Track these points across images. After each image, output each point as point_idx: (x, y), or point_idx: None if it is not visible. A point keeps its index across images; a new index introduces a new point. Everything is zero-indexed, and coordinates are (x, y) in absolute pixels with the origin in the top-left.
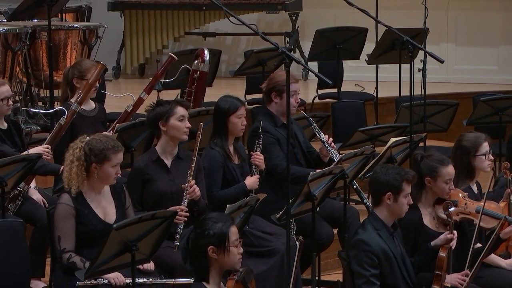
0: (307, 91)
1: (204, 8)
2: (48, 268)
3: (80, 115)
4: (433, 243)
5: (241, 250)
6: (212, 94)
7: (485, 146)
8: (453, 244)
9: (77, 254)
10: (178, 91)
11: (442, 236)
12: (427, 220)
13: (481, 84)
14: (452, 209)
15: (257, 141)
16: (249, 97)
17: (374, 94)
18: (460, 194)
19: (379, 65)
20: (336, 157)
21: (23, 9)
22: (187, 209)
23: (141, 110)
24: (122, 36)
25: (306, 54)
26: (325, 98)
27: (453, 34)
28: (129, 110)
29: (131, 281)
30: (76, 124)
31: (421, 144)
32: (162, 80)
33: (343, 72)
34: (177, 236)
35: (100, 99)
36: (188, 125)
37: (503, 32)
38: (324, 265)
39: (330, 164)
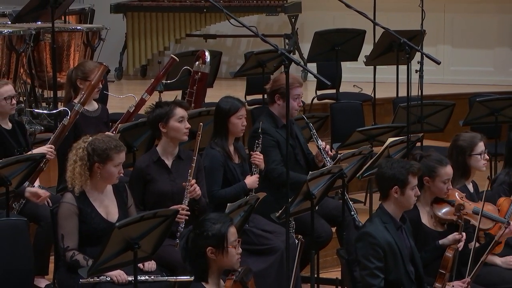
0: (306, 92)
1: (205, 10)
2: (51, 266)
3: (83, 116)
4: (441, 241)
5: (240, 250)
6: (212, 95)
7: (481, 146)
8: (461, 245)
9: (80, 252)
10: (180, 92)
11: (450, 236)
12: (425, 219)
13: (477, 85)
14: (447, 209)
15: (256, 141)
16: (249, 98)
17: (372, 95)
18: (457, 195)
19: (377, 67)
20: (330, 165)
21: (27, 11)
22: (188, 208)
23: (143, 110)
24: (125, 38)
25: (305, 56)
26: (324, 99)
27: (450, 36)
28: (131, 111)
29: (133, 278)
30: (79, 124)
31: (418, 144)
32: (164, 81)
33: (342, 73)
34: (178, 234)
35: (102, 99)
36: (188, 126)
37: (498, 34)
38: (323, 263)
39: None
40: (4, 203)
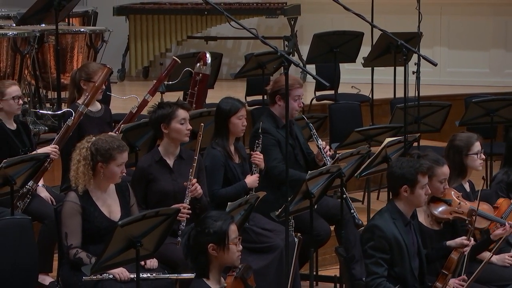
0: (305, 93)
1: (206, 13)
2: (55, 264)
3: (86, 116)
4: (448, 242)
5: (240, 247)
6: (213, 96)
7: (477, 146)
8: (466, 250)
9: (83, 250)
10: (181, 93)
11: (458, 239)
12: (422, 218)
13: (473, 86)
14: (443, 208)
15: (256, 141)
16: (249, 98)
17: (370, 96)
18: (454, 194)
19: (374, 68)
20: (330, 164)
21: (31, 14)
22: (189, 206)
23: (146, 111)
24: (127, 40)
25: (304, 57)
26: (322, 100)
27: (446, 38)
28: (134, 111)
29: (135, 276)
30: (82, 124)
31: (415, 144)
32: (166, 82)
33: (340, 74)
34: (180, 233)
35: (105, 100)
36: (189, 127)
37: (493, 36)
38: (322, 261)
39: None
40: (9, 201)
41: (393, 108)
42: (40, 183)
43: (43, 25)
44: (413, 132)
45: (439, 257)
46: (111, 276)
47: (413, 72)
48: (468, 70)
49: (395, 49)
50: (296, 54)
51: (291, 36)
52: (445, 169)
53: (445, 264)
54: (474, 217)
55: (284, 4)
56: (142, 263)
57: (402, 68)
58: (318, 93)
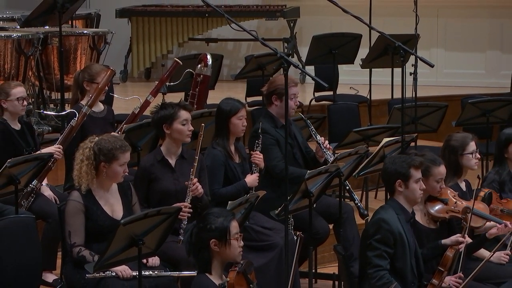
0: (305, 93)
1: (207, 15)
2: (59, 262)
3: (89, 117)
4: (443, 241)
5: (242, 243)
6: (214, 97)
7: (472, 145)
8: (462, 247)
9: (86, 248)
10: (182, 94)
11: (453, 237)
12: (419, 216)
13: (469, 87)
14: (439, 206)
15: (256, 141)
16: (249, 99)
17: (368, 97)
18: (450, 193)
19: (372, 69)
20: (331, 158)
21: (35, 16)
22: (190, 205)
23: (148, 112)
24: (129, 42)
25: (304, 59)
26: (321, 101)
27: (443, 40)
28: (136, 112)
29: (137, 273)
30: (86, 125)
31: (412, 144)
32: (167, 84)
33: (339, 75)
34: (181, 231)
35: (108, 101)
36: (191, 128)
37: (490, 38)
38: (321, 259)
39: (326, 164)
40: (13, 200)
41: (390, 108)
42: (44, 182)
43: (47, 27)
44: (410, 132)
45: (435, 255)
46: (113, 274)
47: (411, 73)
48: (464, 72)
49: (393, 51)
50: (295, 55)
51: (291, 38)
52: (441, 169)
53: (441, 261)
54: (469, 215)
55: (284, 7)
56: (144, 261)
57: (399, 70)
58: (317, 94)
